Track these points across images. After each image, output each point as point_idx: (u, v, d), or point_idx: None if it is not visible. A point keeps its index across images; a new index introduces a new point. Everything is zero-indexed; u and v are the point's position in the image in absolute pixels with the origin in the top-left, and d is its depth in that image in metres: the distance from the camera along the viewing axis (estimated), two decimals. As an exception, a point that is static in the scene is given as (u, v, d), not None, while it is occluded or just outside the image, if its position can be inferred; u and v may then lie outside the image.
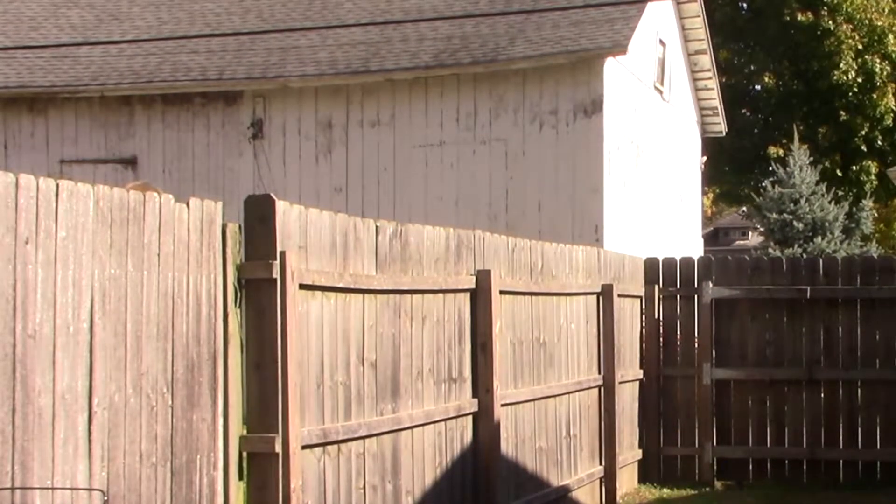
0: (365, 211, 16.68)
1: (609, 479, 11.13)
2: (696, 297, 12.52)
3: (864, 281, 12.17)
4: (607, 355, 11.08)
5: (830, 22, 33.26)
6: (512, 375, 9.05)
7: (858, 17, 33.37)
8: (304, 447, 6.18)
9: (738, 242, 56.43)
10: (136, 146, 18.56)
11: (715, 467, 12.43)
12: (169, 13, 20.60)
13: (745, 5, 37.28)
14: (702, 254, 20.18)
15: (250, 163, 18.20)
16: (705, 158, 24.43)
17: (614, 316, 11.10)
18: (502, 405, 8.70)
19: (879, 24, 33.53)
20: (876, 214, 32.34)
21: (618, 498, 11.25)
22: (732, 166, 36.05)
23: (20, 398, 4.51)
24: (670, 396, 12.56)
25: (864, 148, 33.94)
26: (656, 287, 12.58)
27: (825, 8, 33.48)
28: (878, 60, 33.34)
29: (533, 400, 9.45)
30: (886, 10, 34.10)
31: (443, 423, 7.94)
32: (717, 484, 12.42)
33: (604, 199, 17.10)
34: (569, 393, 10.24)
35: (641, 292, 12.39)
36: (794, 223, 23.49)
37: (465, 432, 8.32)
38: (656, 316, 12.54)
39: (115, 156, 18.59)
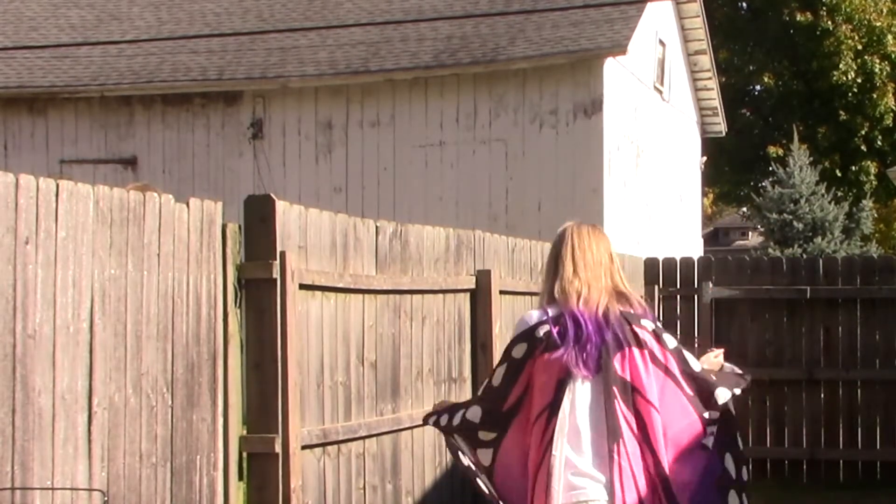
0: (365, 211, 16.67)
1: (609, 479, 11.10)
2: (695, 297, 12.49)
3: (864, 281, 12.15)
4: (607, 355, 11.05)
5: (830, 22, 33.27)
6: (512, 375, 9.03)
7: (858, 17, 33.37)
8: (303, 447, 6.18)
9: (738, 242, 56.41)
10: (136, 146, 18.56)
11: (715, 467, 12.38)
12: (169, 13, 20.60)
13: (744, 5, 37.29)
14: (702, 254, 20.18)
15: (250, 163, 18.20)
16: (705, 158, 24.43)
17: (614, 316, 11.06)
18: (502, 405, 8.68)
19: (879, 24, 33.53)
20: (876, 214, 32.35)
21: (618, 498, 11.23)
22: (732, 166, 36.05)
23: (20, 398, 4.51)
24: (670, 396, 12.52)
25: (863, 148, 33.95)
26: (656, 287, 12.55)
27: (824, 8, 33.48)
28: (877, 60, 33.34)
29: (533, 400, 9.43)
30: (885, 11, 34.10)
31: (443, 423, 7.93)
32: (717, 484, 12.37)
33: (604, 199, 17.10)
34: (569, 393, 10.22)
35: (641, 292, 12.38)
36: (794, 223, 23.50)
37: (465, 432, 8.31)
38: (656, 316, 12.51)
39: (115, 156, 18.59)
